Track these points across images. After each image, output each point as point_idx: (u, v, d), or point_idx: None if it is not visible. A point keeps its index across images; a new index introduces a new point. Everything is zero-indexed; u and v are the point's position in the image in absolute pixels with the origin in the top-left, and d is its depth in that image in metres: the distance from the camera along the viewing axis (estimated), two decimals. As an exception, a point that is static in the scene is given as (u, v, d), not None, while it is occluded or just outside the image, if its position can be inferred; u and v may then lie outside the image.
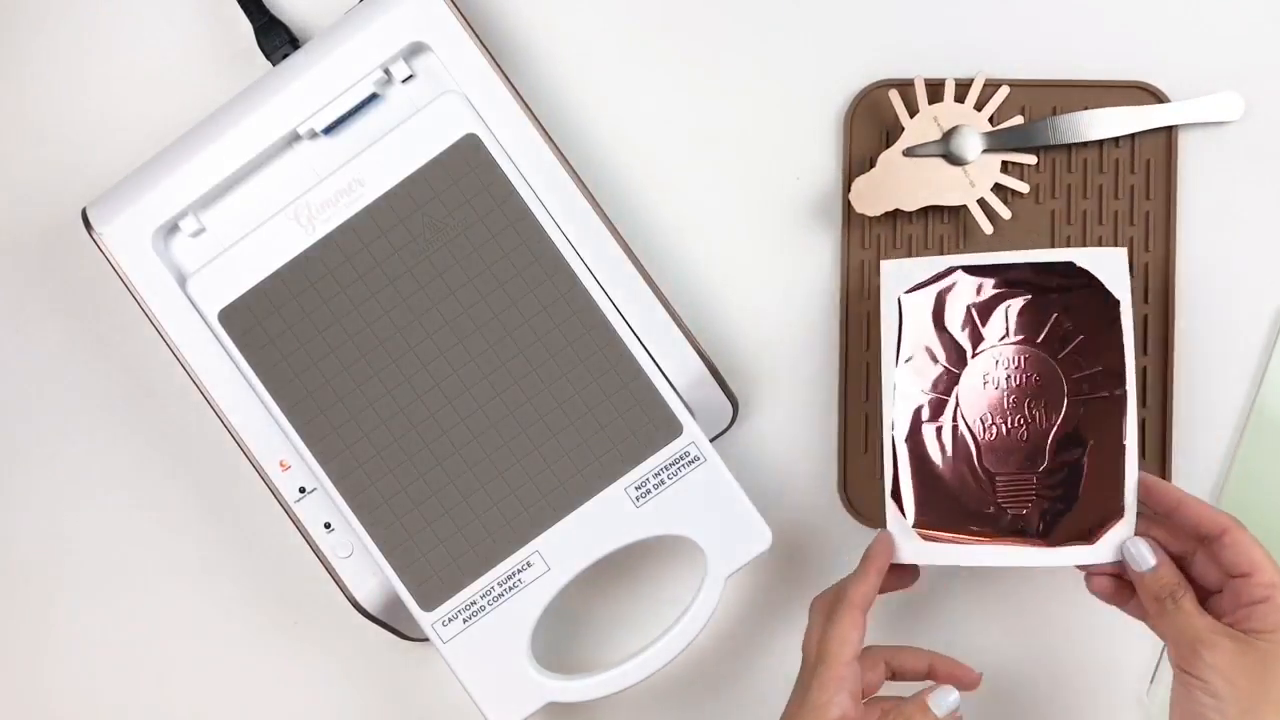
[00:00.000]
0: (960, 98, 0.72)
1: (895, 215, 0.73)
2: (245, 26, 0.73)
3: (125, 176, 0.70)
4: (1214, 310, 0.74)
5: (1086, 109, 0.73)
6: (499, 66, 0.69)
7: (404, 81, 0.70)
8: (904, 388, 0.67)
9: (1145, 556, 0.63)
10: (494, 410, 0.69)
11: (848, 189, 0.73)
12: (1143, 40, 0.74)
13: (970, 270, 0.67)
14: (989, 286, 0.67)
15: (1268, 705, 0.59)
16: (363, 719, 0.76)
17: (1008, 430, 0.67)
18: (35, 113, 0.76)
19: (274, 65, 0.72)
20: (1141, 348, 0.73)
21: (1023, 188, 0.73)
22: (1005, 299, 0.67)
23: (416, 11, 0.69)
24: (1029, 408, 0.67)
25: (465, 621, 0.69)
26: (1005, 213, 0.73)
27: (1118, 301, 0.65)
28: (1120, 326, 0.65)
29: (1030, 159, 0.73)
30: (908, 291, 0.67)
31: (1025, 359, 0.67)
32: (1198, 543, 0.63)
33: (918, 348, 0.67)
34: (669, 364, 0.70)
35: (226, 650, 0.76)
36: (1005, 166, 0.73)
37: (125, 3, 0.75)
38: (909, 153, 0.72)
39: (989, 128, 0.72)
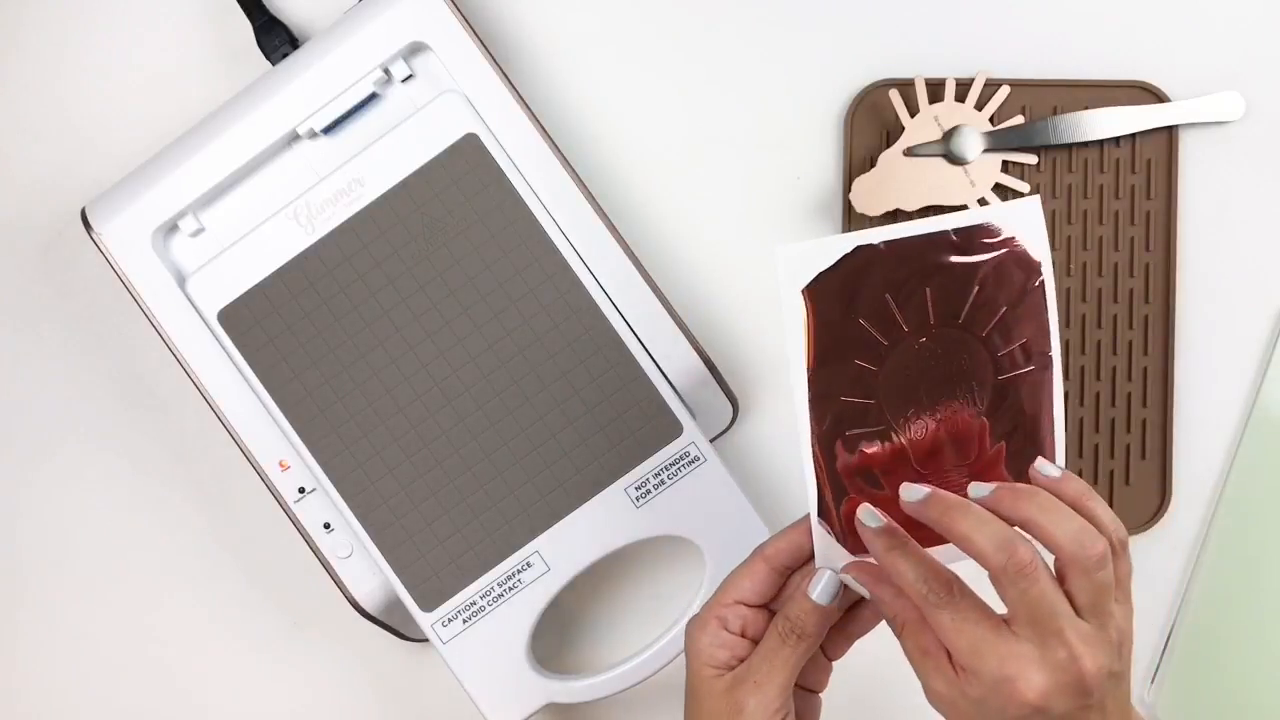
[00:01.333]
0: (961, 97, 0.72)
1: (896, 215, 0.73)
2: (245, 26, 0.73)
3: (125, 176, 0.70)
4: (1214, 310, 0.74)
5: (1087, 109, 0.73)
6: (499, 66, 0.69)
7: (404, 81, 0.70)
8: (819, 395, 0.58)
9: (858, 590, 0.58)
10: (494, 410, 0.69)
11: (848, 189, 0.73)
12: (1143, 40, 0.74)
13: (882, 249, 0.57)
14: (904, 265, 0.57)
15: None
16: (362, 719, 0.76)
17: (937, 424, 0.59)
18: (35, 113, 0.75)
19: (274, 65, 0.72)
20: (1142, 348, 0.73)
21: (1023, 187, 0.73)
22: (923, 277, 0.58)
23: (416, 11, 0.69)
24: (958, 395, 0.59)
25: (465, 622, 0.69)
26: (1005, 213, 0.73)
27: (1039, 263, 0.58)
28: (1043, 289, 0.58)
29: (1031, 159, 0.73)
30: (814, 282, 0.57)
31: (949, 343, 0.58)
32: None
33: (831, 347, 0.58)
34: (669, 364, 0.70)
35: (226, 650, 0.76)
36: (1006, 166, 0.73)
37: (125, 2, 0.75)
38: (909, 152, 0.72)
39: (989, 127, 0.72)
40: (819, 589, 0.58)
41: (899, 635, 0.56)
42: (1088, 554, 0.53)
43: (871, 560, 0.58)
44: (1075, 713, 0.53)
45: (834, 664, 0.62)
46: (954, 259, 0.57)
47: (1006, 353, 0.59)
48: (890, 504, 0.58)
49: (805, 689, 0.62)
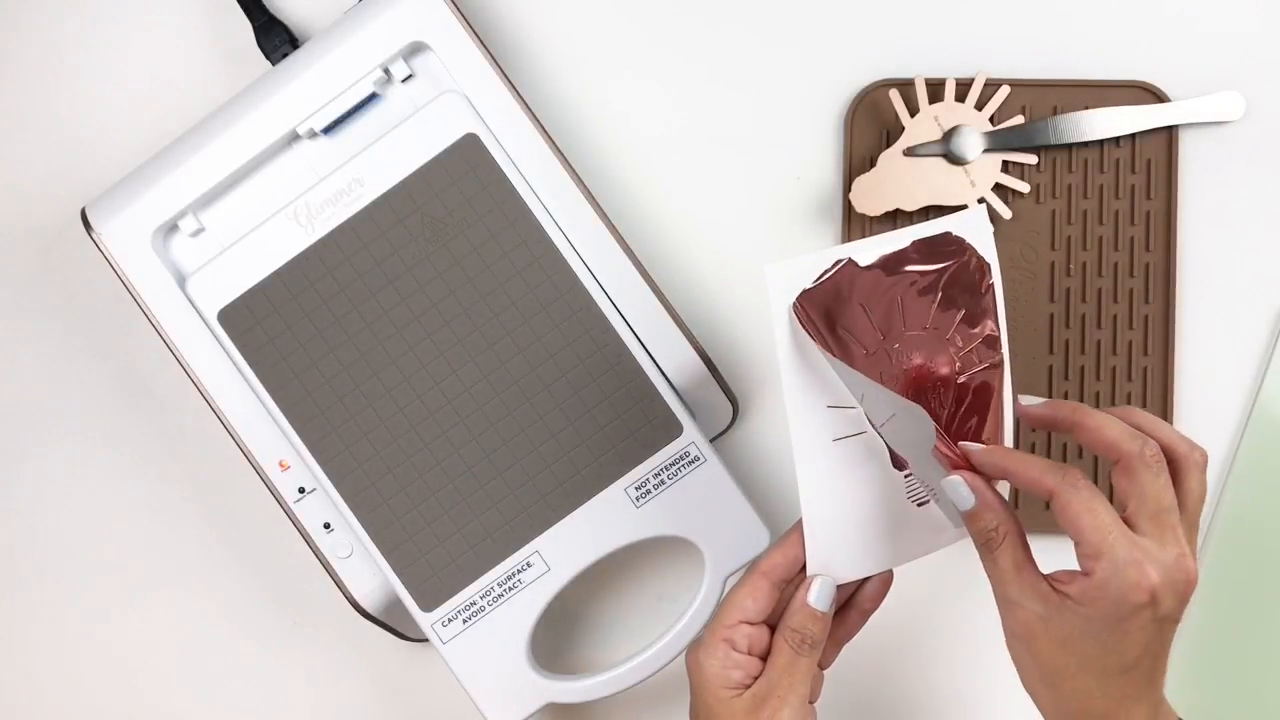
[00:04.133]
0: (961, 97, 0.72)
1: (896, 215, 0.73)
2: (245, 26, 0.73)
3: (125, 176, 0.70)
4: (1214, 310, 0.74)
5: (1087, 109, 0.73)
6: (499, 66, 0.69)
7: (404, 81, 0.70)
8: (810, 405, 0.60)
9: (963, 497, 0.57)
10: (494, 410, 0.69)
11: (848, 189, 0.73)
12: (1143, 40, 0.74)
13: (859, 262, 0.60)
14: (879, 275, 0.60)
15: (1064, 680, 0.55)
16: (362, 719, 0.76)
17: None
18: (35, 113, 0.76)
19: (273, 65, 0.72)
20: (1142, 347, 0.73)
21: (1023, 187, 0.73)
22: (894, 286, 0.61)
23: (416, 11, 0.69)
24: (927, 395, 0.61)
25: (465, 622, 0.69)
26: (1006, 213, 0.73)
27: (988, 265, 0.61)
28: (993, 291, 0.61)
29: (1031, 159, 0.73)
30: (800, 297, 0.60)
31: (919, 346, 0.61)
32: None
33: (819, 357, 0.60)
34: (669, 364, 0.70)
35: (226, 650, 0.76)
36: (1006, 166, 0.73)
37: (125, 3, 0.75)
38: (909, 152, 0.72)
39: (990, 127, 0.72)
40: (816, 595, 0.60)
41: (995, 550, 0.56)
42: (1196, 457, 0.55)
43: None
44: (1167, 624, 0.55)
45: (824, 673, 0.63)
46: (920, 267, 0.60)
47: (965, 353, 0.61)
48: None
49: None
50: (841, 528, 0.61)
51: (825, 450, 0.61)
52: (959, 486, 0.57)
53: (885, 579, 0.62)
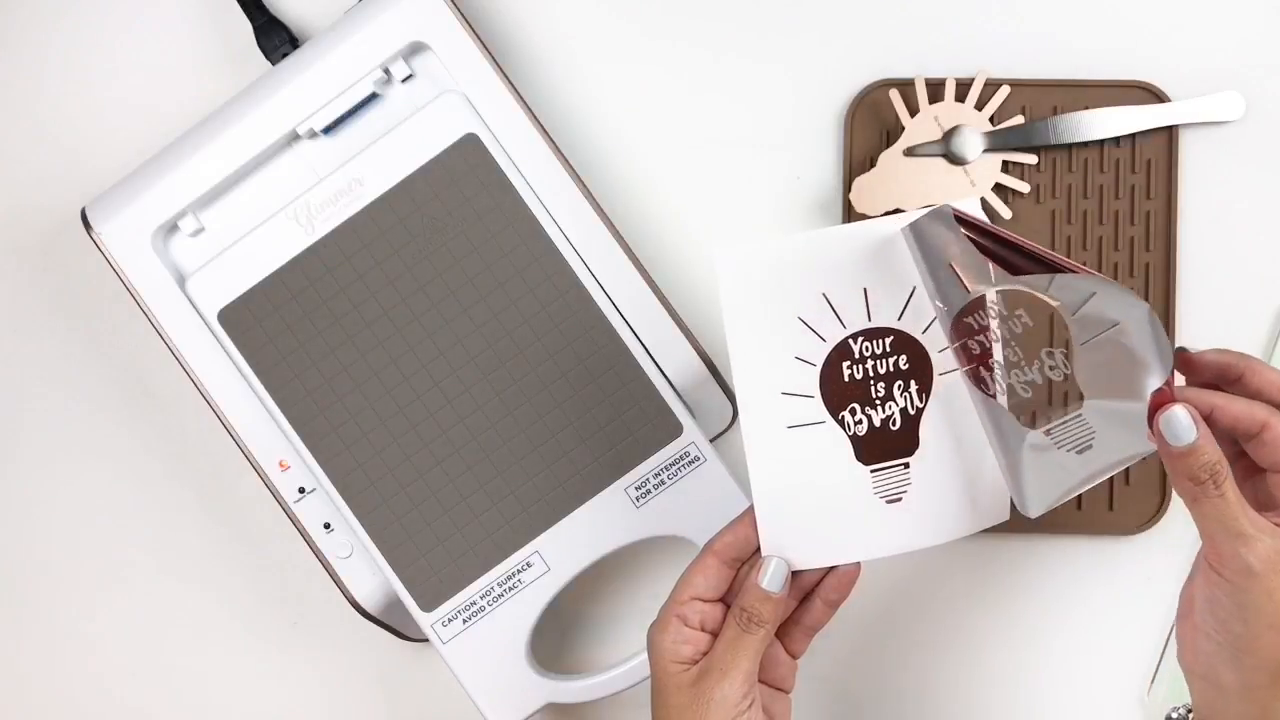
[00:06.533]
0: (961, 97, 0.72)
1: (896, 215, 0.73)
2: (245, 26, 0.73)
3: (125, 176, 0.70)
4: (1214, 310, 0.74)
5: (1087, 109, 0.73)
6: (499, 66, 0.69)
7: (404, 81, 0.70)
8: (762, 390, 0.60)
9: (1186, 429, 0.54)
10: (494, 410, 0.69)
11: (848, 189, 0.73)
12: (1143, 40, 0.74)
13: (818, 248, 0.58)
14: (843, 264, 0.58)
15: None
16: (362, 719, 0.76)
17: (880, 420, 0.60)
18: (35, 112, 0.76)
19: (273, 65, 0.72)
20: (1142, 348, 0.73)
21: (1023, 187, 0.73)
22: (861, 276, 0.59)
23: (416, 11, 0.69)
24: (898, 393, 0.60)
25: (465, 622, 0.69)
26: (1006, 213, 0.73)
27: None
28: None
29: (1031, 159, 0.73)
30: (754, 281, 0.58)
31: (889, 341, 0.59)
32: (1235, 440, 0.57)
33: (773, 344, 0.59)
34: (669, 364, 0.70)
35: (226, 650, 0.76)
36: (1006, 166, 0.73)
37: (125, 3, 0.75)
38: (909, 152, 0.72)
39: (989, 127, 0.72)
40: (768, 577, 0.60)
41: (1223, 483, 0.54)
42: None
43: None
44: None
45: (798, 662, 0.63)
46: (891, 258, 0.58)
47: (946, 350, 0.60)
48: None
49: (774, 687, 0.63)
50: (796, 514, 0.60)
51: (778, 435, 0.60)
52: (1182, 419, 0.54)
53: (849, 572, 0.61)
